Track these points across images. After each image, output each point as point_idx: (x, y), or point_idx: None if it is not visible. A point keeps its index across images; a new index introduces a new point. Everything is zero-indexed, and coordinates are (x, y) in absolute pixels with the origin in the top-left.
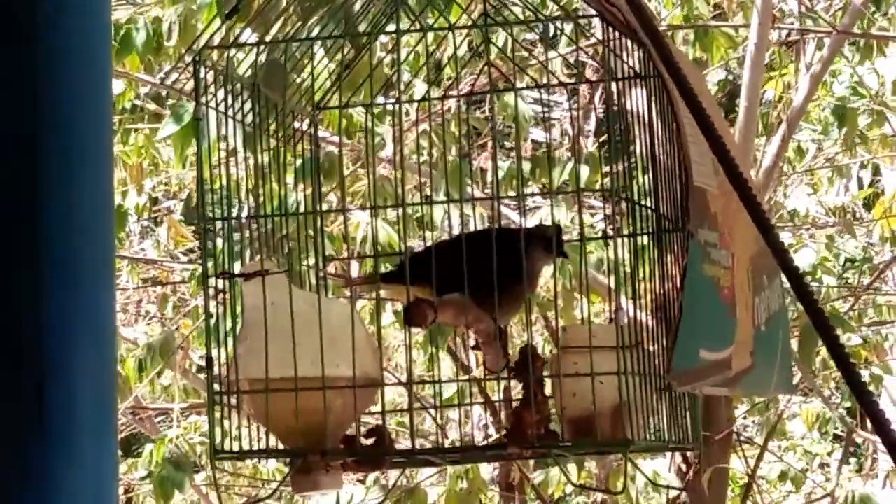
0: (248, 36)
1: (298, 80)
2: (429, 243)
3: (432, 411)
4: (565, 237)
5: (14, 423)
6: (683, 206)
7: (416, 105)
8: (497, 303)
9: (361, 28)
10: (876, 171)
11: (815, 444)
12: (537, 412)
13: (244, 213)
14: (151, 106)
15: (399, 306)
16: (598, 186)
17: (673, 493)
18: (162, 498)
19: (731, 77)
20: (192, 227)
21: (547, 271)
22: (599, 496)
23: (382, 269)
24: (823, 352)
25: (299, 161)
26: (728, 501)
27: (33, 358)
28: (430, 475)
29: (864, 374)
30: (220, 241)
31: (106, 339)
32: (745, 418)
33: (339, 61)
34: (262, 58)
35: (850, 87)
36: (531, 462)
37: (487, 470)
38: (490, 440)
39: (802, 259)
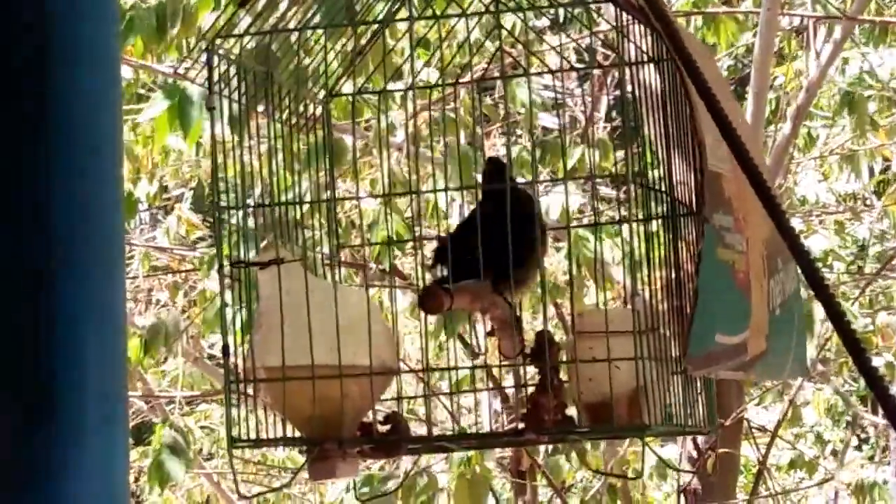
0: (256, 24)
1: (308, 67)
2: (440, 232)
3: (444, 398)
4: (577, 222)
5: (23, 412)
6: (698, 190)
7: (427, 91)
8: (513, 283)
9: (373, 15)
10: (887, 158)
11: (827, 432)
12: (554, 398)
13: (258, 202)
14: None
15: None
16: (610, 172)
17: (684, 480)
18: (157, 483)
19: (740, 64)
20: (202, 216)
21: (557, 255)
22: (607, 481)
23: (394, 258)
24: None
25: (310, 148)
26: (739, 488)
27: (42, 346)
28: (438, 461)
29: (878, 361)
30: (233, 230)
31: (116, 327)
32: (757, 404)
33: (352, 48)
34: (255, 44)
35: (859, 77)
36: (541, 448)
37: (492, 456)
38: (503, 427)
39: (814, 245)
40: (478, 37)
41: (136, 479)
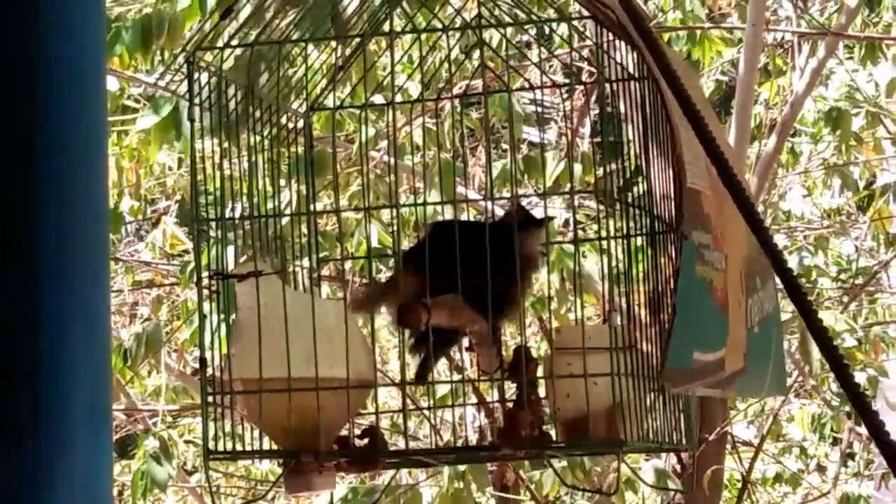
0: (239, 36)
1: (291, 80)
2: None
3: (426, 412)
4: (560, 238)
5: (8, 425)
6: (677, 208)
7: (409, 106)
8: (490, 306)
9: (355, 29)
10: (872, 173)
11: (812, 446)
12: (531, 413)
13: (237, 214)
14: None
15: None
16: (590, 187)
17: (666, 494)
18: (140, 493)
19: (726, 80)
20: (187, 229)
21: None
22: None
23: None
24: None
25: (292, 161)
26: (724, 502)
27: (27, 359)
28: (429, 476)
29: (860, 377)
30: (213, 242)
31: (101, 340)
32: (744, 419)
33: (334, 62)
34: (237, 56)
35: (847, 90)
36: (526, 462)
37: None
38: (484, 441)
39: (796, 261)
40: (460, 53)
41: (120, 493)
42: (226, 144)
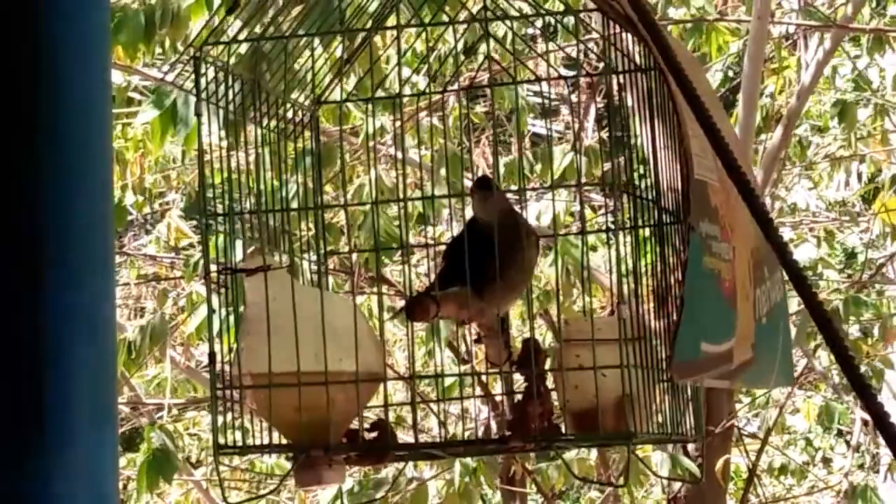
0: (244, 30)
1: (297, 74)
2: (428, 239)
3: (433, 405)
4: (565, 231)
5: (12, 422)
6: (684, 199)
7: (415, 99)
8: (498, 289)
9: (361, 23)
10: (878, 166)
11: (818, 439)
12: (540, 405)
13: (245, 208)
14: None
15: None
16: (597, 180)
17: (672, 485)
18: (146, 486)
19: (731, 73)
20: (193, 223)
21: (544, 262)
22: (607, 489)
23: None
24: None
25: (298, 154)
26: (729, 495)
27: (32, 354)
28: (438, 472)
29: (865, 368)
30: (221, 236)
31: (105, 337)
32: (748, 412)
33: (339, 56)
34: (244, 50)
35: (853, 82)
36: (531, 455)
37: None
38: (492, 434)
39: (803, 254)
40: (465, 46)
41: (125, 486)
42: (232, 139)
